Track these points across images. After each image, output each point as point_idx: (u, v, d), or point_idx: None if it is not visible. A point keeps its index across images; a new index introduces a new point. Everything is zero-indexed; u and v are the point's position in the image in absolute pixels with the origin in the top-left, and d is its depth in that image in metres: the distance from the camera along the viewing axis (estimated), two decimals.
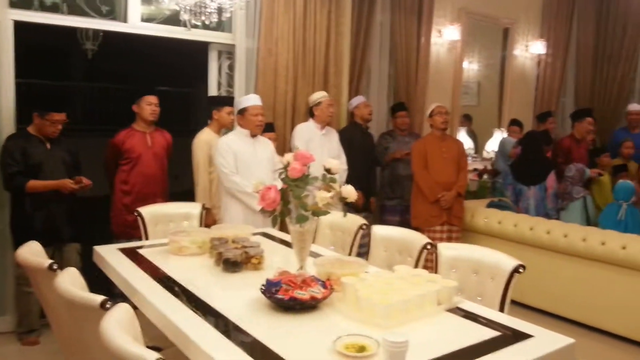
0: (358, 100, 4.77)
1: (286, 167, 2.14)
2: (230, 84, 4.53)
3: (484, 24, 6.42)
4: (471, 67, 6.76)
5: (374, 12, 5.02)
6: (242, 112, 3.61)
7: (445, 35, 5.82)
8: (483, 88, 7.04)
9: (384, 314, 1.85)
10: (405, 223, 4.62)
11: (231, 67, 4.51)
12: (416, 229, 4.48)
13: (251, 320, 1.88)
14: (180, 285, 2.22)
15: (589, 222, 4.74)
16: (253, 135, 3.63)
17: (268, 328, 1.85)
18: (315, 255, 2.56)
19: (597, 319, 3.93)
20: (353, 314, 1.93)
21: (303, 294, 1.95)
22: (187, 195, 3.99)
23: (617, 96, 7.43)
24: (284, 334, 1.81)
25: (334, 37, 4.61)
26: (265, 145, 3.71)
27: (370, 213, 4.78)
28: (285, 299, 1.94)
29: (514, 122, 6.05)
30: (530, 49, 6.84)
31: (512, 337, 1.81)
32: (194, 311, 1.94)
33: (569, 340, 1.78)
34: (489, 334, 1.82)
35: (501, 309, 2.27)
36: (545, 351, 1.71)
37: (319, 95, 4.32)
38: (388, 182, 5.00)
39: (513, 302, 2.36)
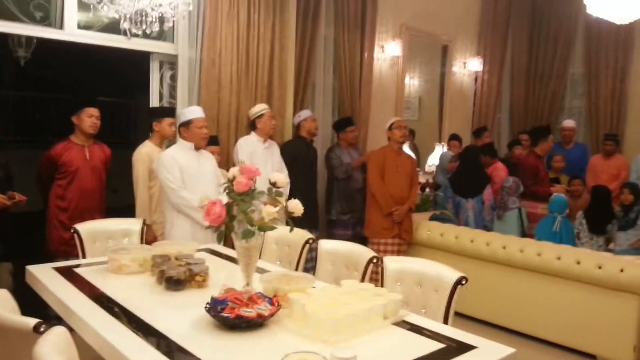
0: (305, 114, 4.77)
1: (232, 181, 2.10)
2: (173, 95, 4.42)
3: (424, 40, 6.62)
4: (412, 82, 6.94)
5: (318, 26, 5.07)
6: (186, 124, 3.51)
7: (387, 51, 5.96)
8: (424, 103, 7.24)
9: (332, 329, 1.84)
10: (357, 237, 4.66)
11: (173, 78, 4.41)
12: (367, 238, 4.59)
13: (195, 340, 1.83)
14: (119, 306, 2.13)
15: (523, 232, 4.93)
16: (197, 149, 3.55)
17: (213, 348, 1.80)
18: (261, 271, 2.53)
19: (535, 327, 4.06)
20: (301, 330, 1.90)
21: (249, 312, 1.91)
22: (127, 210, 3.84)
23: (549, 113, 7.83)
24: (230, 354, 1.77)
25: (278, 49, 4.61)
26: (208, 158, 3.64)
27: (316, 229, 4.78)
28: (231, 317, 1.89)
29: (454, 137, 6.25)
30: (468, 66, 7.10)
31: (457, 349, 1.84)
32: (134, 332, 1.86)
33: (510, 350, 1.83)
34: (434, 346, 1.85)
35: (445, 321, 2.31)
36: None
37: (260, 108, 4.29)
38: (343, 196, 4.97)
39: (456, 313, 2.41)
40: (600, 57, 7.44)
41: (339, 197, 4.97)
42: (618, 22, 4.57)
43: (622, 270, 3.55)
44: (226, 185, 2.15)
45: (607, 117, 7.40)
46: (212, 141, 3.95)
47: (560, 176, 5.83)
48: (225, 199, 2.11)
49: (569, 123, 6.75)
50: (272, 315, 1.95)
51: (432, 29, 6.53)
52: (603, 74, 7.43)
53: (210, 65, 4.25)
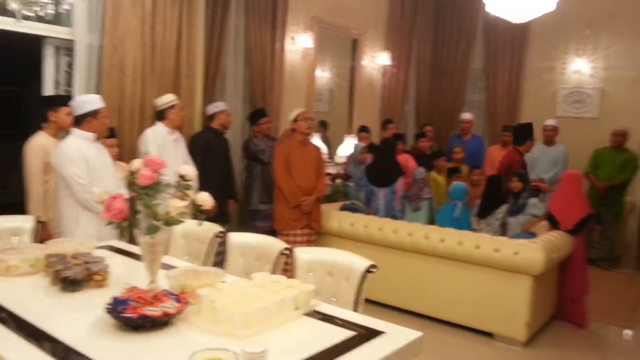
0: (220, 106, 4.64)
1: (134, 174, 1.98)
2: (70, 83, 4.13)
3: (335, 33, 6.69)
4: (324, 75, 7.01)
5: (228, 15, 4.95)
6: (94, 114, 3.24)
7: (298, 43, 5.95)
8: (335, 95, 7.34)
9: (243, 324, 1.80)
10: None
11: (70, 65, 4.11)
12: (277, 232, 4.56)
13: (95, 344, 1.72)
14: (7, 311, 1.95)
15: (432, 220, 5.15)
16: (97, 140, 3.33)
17: (116, 351, 1.70)
18: (168, 267, 2.43)
19: (440, 310, 4.26)
20: (210, 327, 1.85)
21: (154, 310, 1.82)
22: (18, 207, 3.54)
23: (452, 106, 8.24)
24: (134, 356, 1.68)
25: (186, 37, 4.45)
26: (104, 150, 3.42)
27: (226, 223, 4.69)
28: (134, 317, 1.79)
29: (363, 129, 6.38)
30: (376, 60, 7.28)
31: (366, 335, 1.87)
32: (25, 339, 1.72)
33: (418, 333, 1.89)
34: (345, 334, 1.87)
35: (355, 309, 2.34)
36: (397, 346, 1.80)
37: (170, 98, 4.12)
38: (261, 185, 4.92)
39: (367, 300, 2.46)
40: (498, 54, 7.93)
41: (258, 186, 4.93)
42: (514, 22, 4.88)
43: (516, 253, 3.80)
44: (129, 178, 2.02)
45: (504, 110, 7.91)
46: (111, 133, 3.74)
47: (460, 166, 6.15)
48: (126, 192, 1.99)
49: (466, 115, 7.13)
50: (179, 313, 1.87)
51: (342, 22, 6.61)
52: (500, 70, 7.93)
53: (111, 51, 4.02)
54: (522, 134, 5.45)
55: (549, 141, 6.38)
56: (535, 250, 3.76)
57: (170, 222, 1.98)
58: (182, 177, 2.06)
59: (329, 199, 5.82)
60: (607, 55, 7.24)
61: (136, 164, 2.00)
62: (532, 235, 4.38)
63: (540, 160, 6.35)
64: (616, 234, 6.31)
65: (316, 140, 6.39)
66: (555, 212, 4.43)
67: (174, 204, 1.95)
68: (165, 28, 4.30)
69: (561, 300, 4.45)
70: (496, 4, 4.56)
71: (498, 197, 4.90)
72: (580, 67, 7.39)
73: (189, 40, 4.47)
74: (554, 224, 4.42)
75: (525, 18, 4.65)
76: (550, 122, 6.46)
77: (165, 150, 3.95)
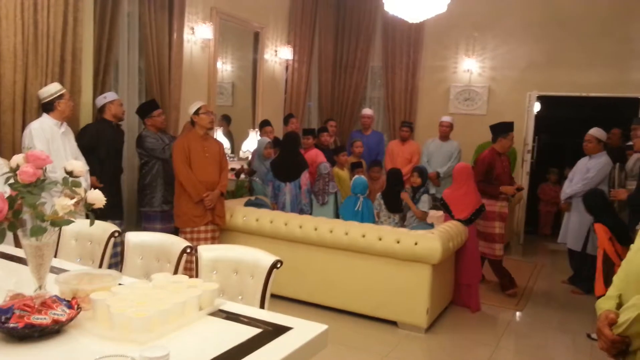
0: (112, 96, 4.36)
1: (14, 170, 1.80)
2: None
3: (236, 25, 6.57)
4: (225, 67, 6.85)
5: (120, 1, 4.65)
6: None
7: (198, 33, 5.77)
8: (237, 89, 7.21)
9: (142, 328, 1.70)
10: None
11: None
12: (179, 230, 4.39)
13: None
14: None
15: (337, 214, 5.23)
16: None
17: None
18: (58, 271, 2.24)
19: (346, 302, 4.35)
20: (107, 332, 1.73)
21: (43, 319, 1.67)
22: None
23: (353, 101, 8.43)
24: None
25: (72, 23, 4.10)
26: None
27: (121, 220, 4.44)
28: (20, 327, 1.63)
29: (266, 123, 6.32)
30: (279, 54, 7.25)
31: (273, 332, 1.84)
32: None
33: (323, 327, 1.90)
34: (251, 332, 1.83)
35: (262, 305, 2.31)
36: (304, 341, 1.79)
37: (57, 88, 3.82)
38: (163, 183, 4.63)
39: (274, 296, 2.43)
40: (396, 52, 8.23)
41: (160, 186, 4.62)
42: (410, 21, 5.07)
43: (416, 244, 3.97)
44: (9, 175, 1.83)
45: (402, 107, 8.23)
46: None
47: (360, 160, 6.31)
48: (7, 190, 1.80)
49: (367, 111, 7.35)
50: (70, 319, 1.73)
51: (243, 14, 6.50)
52: (398, 68, 8.23)
53: None
54: (495, 131, 5.30)
55: (444, 136, 6.73)
56: (433, 240, 3.95)
57: (57, 222, 1.82)
58: (70, 173, 1.90)
59: (233, 194, 5.71)
60: (494, 56, 7.78)
61: (17, 159, 1.81)
62: (431, 226, 4.60)
63: (435, 154, 6.70)
64: None
65: (219, 134, 6.25)
66: (450, 203, 4.69)
67: (61, 203, 1.79)
68: (49, 12, 3.94)
69: (456, 287, 4.72)
70: (393, 3, 4.71)
71: (401, 190, 5.09)
72: (470, 67, 7.87)
73: (75, 26, 4.13)
74: (449, 212, 4.68)
75: (420, 18, 4.85)
76: (445, 118, 6.82)
77: (54, 144, 3.68)
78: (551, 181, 8.22)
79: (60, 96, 3.77)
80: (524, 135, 7.50)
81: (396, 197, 5.02)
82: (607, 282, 3.67)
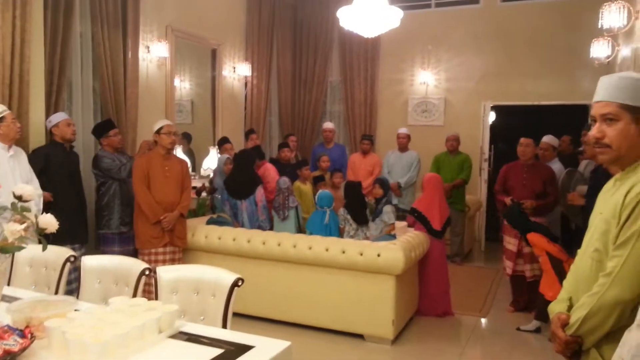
0: (58, 117, 4.25)
1: None
2: None
3: (193, 43, 6.54)
4: (183, 85, 6.80)
5: (71, 22, 4.56)
6: None
7: (153, 52, 5.71)
8: (197, 106, 7.16)
9: (99, 354, 1.66)
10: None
11: None
12: (138, 251, 4.30)
13: None
14: None
15: (299, 228, 5.22)
16: None
17: None
18: (10, 299, 2.16)
19: (311, 317, 4.32)
20: None
21: None
22: None
23: (314, 116, 8.49)
24: None
25: (19, 44, 4.00)
26: None
27: (82, 244, 4.32)
28: None
29: (225, 140, 6.28)
30: (237, 71, 7.25)
31: (235, 351, 1.83)
32: None
33: (286, 343, 1.89)
34: (213, 352, 1.81)
35: (224, 325, 2.29)
36: (266, 358, 1.78)
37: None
38: (121, 204, 4.52)
39: (239, 314, 2.41)
40: (354, 66, 8.35)
41: (117, 207, 4.51)
42: (365, 36, 5.16)
43: (379, 255, 4.00)
44: None
45: (362, 119, 8.34)
46: None
47: (324, 174, 6.34)
48: None
49: (328, 125, 7.40)
50: (23, 349, 1.67)
51: (199, 32, 6.49)
52: (357, 82, 8.35)
53: None
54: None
55: (403, 148, 6.84)
56: (395, 251, 3.99)
57: (7, 249, 1.76)
58: (19, 197, 1.85)
59: (195, 213, 5.64)
60: (448, 68, 7.99)
61: None
62: (393, 237, 4.65)
63: (395, 165, 6.80)
64: (463, 230, 6.93)
65: (179, 152, 6.18)
66: (427, 214, 4.75)
67: (10, 228, 1.74)
68: None
69: (424, 296, 4.76)
70: (348, 19, 4.79)
71: (363, 201, 5.13)
72: (426, 79, 8.05)
73: (23, 47, 4.03)
74: (425, 224, 4.72)
75: (374, 33, 4.95)
76: (402, 130, 6.94)
77: (1, 169, 3.55)
78: None
79: (1, 119, 3.65)
80: (480, 144, 7.70)
81: (361, 208, 5.05)
82: (562, 281, 3.81)
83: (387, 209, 4.98)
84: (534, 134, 5.14)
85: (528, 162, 4.90)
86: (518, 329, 4.47)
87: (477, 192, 7.74)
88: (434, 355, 4.04)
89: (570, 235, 5.24)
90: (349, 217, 5.05)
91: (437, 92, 8.07)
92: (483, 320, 4.81)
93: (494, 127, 7.93)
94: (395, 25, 4.88)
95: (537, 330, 4.38)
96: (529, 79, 7.50)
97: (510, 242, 4.79)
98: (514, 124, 8.57)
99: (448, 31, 7.91)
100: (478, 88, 7.79)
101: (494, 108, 7.92)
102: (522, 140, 4.97)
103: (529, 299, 4.82)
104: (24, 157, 3.84)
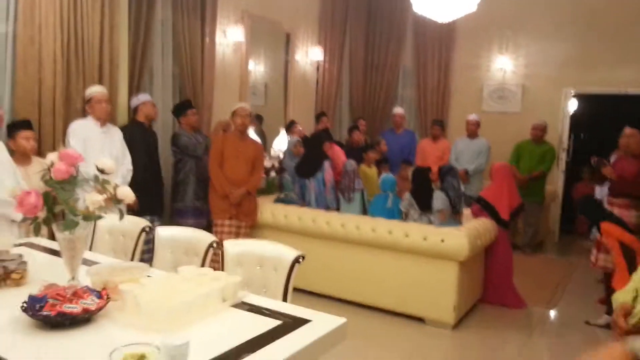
0: (144, 97, 4.53)
1: (50, 167, 1.91)
2: None
3: (267, 27, 6.66)
4: (258, 68, 6.96)
5: (154, 9, 4.82)
6: None
7: (229, 36, 5.89)
8: (270, 89, 7.32)
9: (166, 318, 1.78)
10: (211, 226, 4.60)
11: None
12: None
13: (11, 344, 1.64)
14: None
15: (364, 210, 5.25)
16: None
17: (34, 350, 1.63)
18: (91, 263, 2.36)
19: (372, 297, 4.37)
20: (134, 322, 1.81)
21: (74, 307, 1.77)
22: None
23: (384, 101, 8.42)
24: (53, 354, 1.62)
25: (108, 30, 4.29)
26: (0, 145, 3.18)
27: (159, 216, 4.60)
28: (52, 315, 1.73)
29: (292, 123, 6.41)
30: (309, 55, 7.31)
31: (293, 324, 1.89)
32: None
33: (342, 320, 1.94)
34: (272, 323, 1.88)
35: (284, 299, 2.37)
36: (322, 333, 1.84)
37: (89, 91, 4.00)
38: (196, 180, 4.79)
39: (299, 290, 2.49)
40: (427, 52, 8.18)
41: (192, 182, 4.79)
42: (440, 21, 5.05)
43: (442, 241, 3.96)
44: (44, 172, 1.95)
45: (434, 106, 8.18)
46: (25, 125, 3.57)
47: (385, 157, 6.33)
48: (25, 187, 1.92)
49: (398, 110, 7.33)
50: (100, 309, 1.82)
51: (274, 16, 6.60)
52: (430, 67, 8.18)
53: (28, 42, 3.81)
54: None
55: (472, 134, 6.66)
56: (460, 237, 3.93)
57: (88, 217, 1.92)
58: (100, 170, 2.00)
59: (264, 191, 5.81)
60: (527, 53, 7.64)
61: (51, 157, 1.93)
62: (459, 223, 4.58)
63: (464, 152, 6.64)
64: (538, 222, 6.69)
65: (251, 133, 6.36)
66: (492, 202, 4.64)
67: (91, 198, 1.89)
68: (88, 21, 4.13)
69: (488, 285, 4.67)
70: (422, 4, 4.71)
71: (430, 188, 5.05)
72: (503, 65, 7.75)
73: (112, 33, 4.32)
74: (493, 213, 4.62)
75: (449, 18, 4.83)
76: (472, 116, 6.75)
77: (90, 143, 3.84)
78: (585, 180, 8.00)
79: (89, 100, 3.94)
80: (560, 133, 7.34)
81: (428, 194, 4.98)
82: (632, 272, 3.59)
83: (437, 195, 4.88)
84: (618, 124, 4.80)
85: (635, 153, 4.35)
86: (587, 322, 4.29)
87: (554, 182, 7.40)
88: (495, 343, 3.97)
89: None
90: (414, 202, 4.99)
91: (515, 78, 7.75)
92: (551, 312, 4.65)
93: (574, 116, 7.53)
94: (471, 10, 4.75)
95: (607, 326, 4.18)
96: (614, 65, 7.02)
97: None
98: (597, 113, 8.09)
99: (528, 15, 7.55)
100: (558, 75, 7.40)
101: (575, 96, 7.52)
102: (627, 130, 4.43)
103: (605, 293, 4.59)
104: (117, 135, 4.13)
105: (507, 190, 4.67)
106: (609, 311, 4.18)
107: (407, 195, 5.01)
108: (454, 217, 4.80)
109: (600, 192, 4.85)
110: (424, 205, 4.96)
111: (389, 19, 8.35)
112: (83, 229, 1.98)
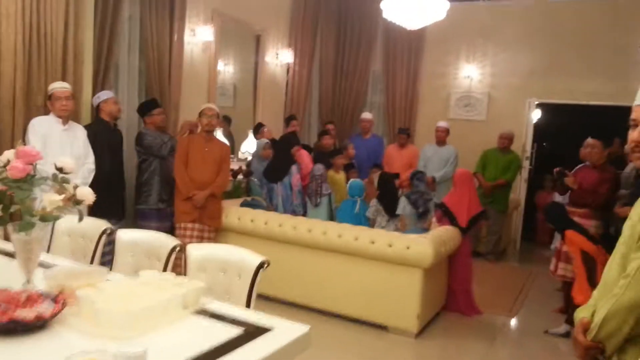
0: (105, 95, 4.42)
1: (5, 165, 1.84)
2: None
3: (237, 28, 6.61)
4: (227, 69, 6.89)
5: (121, 4, 4.71)
6: None
7: (198, 35, 5.81)
8: (239, 91, 7.26)
9: (124, 324, 1.73)
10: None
11: None
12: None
13: None
14: None
15: (332, 215, 5.25)
16: None
17: None
18: (48, 266, 2.27)
19: (336, 304, 4.36)
20: (90, 328, 1.75)
21: (27, 314, 1.70)
22: None
23: (354, 106, 8.46)
24: None
25: (73, 24, 4.17)
26: None
27: (120, 220, 4.48)
28: (4, 322, 1.66)
29: (260, 125, 6.36)
30: (280, 57, 7.29)
31: (255, 332, 1.86)
32: None
33: (305, 328, 1.92)
34: (234, 331, 1.85)
35: (248, 305, 2.34)
36: (284, 341, 1.81)
37: (51, 87, 3.87)
38: (161, 181, 4.68)
39: (264, 296, 2.45)
40: (397, 57, 8.26)
41: (156, 184, 4.67)
42: (409, 28, 5.10)
43: (408, 248, 3.99)
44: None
45: (402, 111, 8.26)
46: None
47: (352, 162, 6.35)
48: None
49: (367, 115, 7.38)
50: (54, 315, 1.75)
51: (244, 17, 6.55)
52: (399, 73, 8.27)
53: None
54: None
55: (441, 141, 6.76)
56: (424, 244, 3.97)
57: (46, 217, 1.85)
58: (59, 169, 1.93)
59: (230, 194, 5.75)
60: (494, 62, 7.81)
61: (7, 155, 1.85)
62: (424, 230, 4.62)
63: (432, 159, 6.72)
64: (501, 229, 6.82)
65: (219, 135, 6.29)
66: (452, 208, 4.69)
67: (49, 198, 1.83)
68: (51, 14, 4.00)
69: (450, 292, 4.73)
70: (392, 10, 4.75)
71: (396, 194, 5.10)
72: (470, 73, 7.89)
73: (76, 28, 4.20)
74: (452, 219, 4.67)
75: (418, 25, 4.89)
76: (441, 124, 6.85)
77: (51, 140, 3.72)
78: (547, 188, 8.22)
79: (50, 96, 3.82)
80: (523, 142, 7.52)
81: (394, 200, 5.02)
82: (592, 283, 3.68)
83: (400, 201, 4.92)
84: (580, 134, 4.93)
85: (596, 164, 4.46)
86: (546, 332, 4.38)
87: (517, 191, 7.58)
88: (457, 352, 4.02)
89: (610, 241, 5.07)
90: (381, 208, 5.02)
91: (481, 87, 7.91)
92: (512, 321, 4.74)
93: (538, 126, 7.72)
94: (440, 17, 4.82)
95: (567, 335, 4.28)
96: (577, 77, 7.25)
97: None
98: (560, 123, 8.33)
99: (495, 26, 7.73)
100: (523, 84, 7.59)
101: (539, 105, 7.71)
102: (589, 141, 4.50)
103: (564, 302, 4.70)
104: (80, 133, 4.01)
105: (467, 197, 4.74)
106: (569, 320, 4.28)
107: (374, 202, 5.03)
108: (420, 222, 4.85)
109: (563, 201, 4.96)
110: (391, 211, 5.01)
111: (359, 24, 8.40)
112: (40, 230, 1.91)
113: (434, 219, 4.89)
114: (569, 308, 4.37)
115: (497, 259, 6.84)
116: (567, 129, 8.12)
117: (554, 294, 5.50)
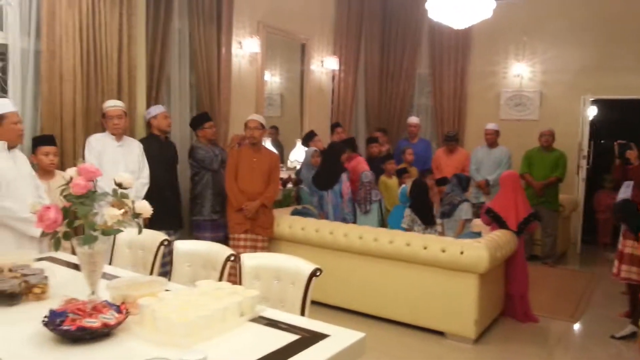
0: (156, 110, 4.56)
1: (68, 182, 1.93)
2: (4, 89, 3.93)
3: (283, 38, 6.70)
4: (274, 79, 7.00)
5: (171, 19, 4.87)
6: None
7: (245, 47, 5.93)
8: (286, 100, 7.35)
9: (184, 332, 1.78)
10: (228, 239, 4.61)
11: (4, 69, 3.90)
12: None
13: (34, 358, 1.65)
14: None
15: (382, 222, 5.22)
16: (11, 147, 3.08)
17: None
18: (110, 277, 2.37)
19: (391, 311, 4.33)
20: (152, 336, 1.81)
21: (93, 322, 1.77)
22: None
23: (400, 110, 8.39)
24: None
25: (127, 41, 4.34)
26: (22, 159, 3.21)
27: (177, 230, 4.61)
28: (72, 330, 1.74)
29: (312, 134, 6.39)
30: (325, 65, 7.33)
31: (311, 338, 1.87)
32: None
33: (360, 334, 1.91)
34: (289, 338, 1.87)
35: (302, 312, 2.35)
36: (340, 348, 1.81)
37: (105, 106, 4.06)
38: (213, 193, 4.79)
39: (317, 303, 2.47)
40: (443, 59, 8.14)
41: (209, 195, 4.79)
42: (456, 27, 5.03)
43: (462, 253, 3.91)
44: (63, 187, 1.97)
45: (450, 114, 8.13)
46: (48, 140, 3.65)
47: (408, 167, 6.28)
48: (47, 201, 1.94)
49: (413, 120, 7.31)
50: (119, 323, 1.83)
51: (289, 27, 6.64)
52: (446, 75, 8.14)
53: (50, 57, 3.87)
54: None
55: (491, 143, 6.59)
56: (479, 249, 3.88)
57: (107, 231, 1.93)
58: (118, 185, 2.01)
59: (280, 203, 5.81)
60: (544, 60, 7.57)
61: (70, 172, 1.95)
62: (477, 234, 4.52)
63: (484, 162, 6.57)
64: (555, 230, 6.56)
65: (268, 144, 6.39)
66: (500, 212, 4.56)
67: (110, 213, 1.91)
68: (106, 32, 4.18)
69: (507, 297, 4.59)
70: (438, 10, 4.69)
71: (428, 201, 4.92)
72: (520, 72, 7.68)
73: (130, 43, 4.37)
74: (500, 223, 4.53)
75: (465, 24, 4.81)
76: (490, 125, 6.69)
77: (106, 157, 3.89)
78: (607, 188, 7.85)
79: (103, 114, 4.00)
80: (579, 140, 7.23)
81: (427, 209, 4.86)
82: None
83: (463, 207, 4.82)
84: (639, 130, 4.70)
85: None
86: (612, 337, 4.18)
87: (574, 191, 7.29)
88: (517, 358, 3.89)
89: None
90: (416, 217, 4.81)
91: (532, 85, 7.68)
92: (574, 326, 4.56)
93: (594, 123, 7.42)
94: (487, 16, 4.72)
95: (633, 335, 4.06)
96: (632, 70, 6.91)
97: (627, 246, 4.28)
98: (617, 119, 7.97)
99: (544, 21, 7.50)
100: (577, 81, 7.31)
101: (594, 102, 7.41)
102: None
103: (630, 305, 4.47)
104: (135, 148, 4.16)
105: (515, 200, 4.55)
106: (635, 321, 4.08)
107: (407, 212, 4.85)
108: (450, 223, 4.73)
109: (625, 192, 4.72)
110: (426, 220, 4.81)
111: (404, 27, 8.34)
112: (102, 243, 1.99)
113: (478, 222, 4.76)
114: (635, 311, 4.16)
115: (556, 262, 6.59)
116: (624, 125, 7.76)
117: (619, 297, 5.23)
